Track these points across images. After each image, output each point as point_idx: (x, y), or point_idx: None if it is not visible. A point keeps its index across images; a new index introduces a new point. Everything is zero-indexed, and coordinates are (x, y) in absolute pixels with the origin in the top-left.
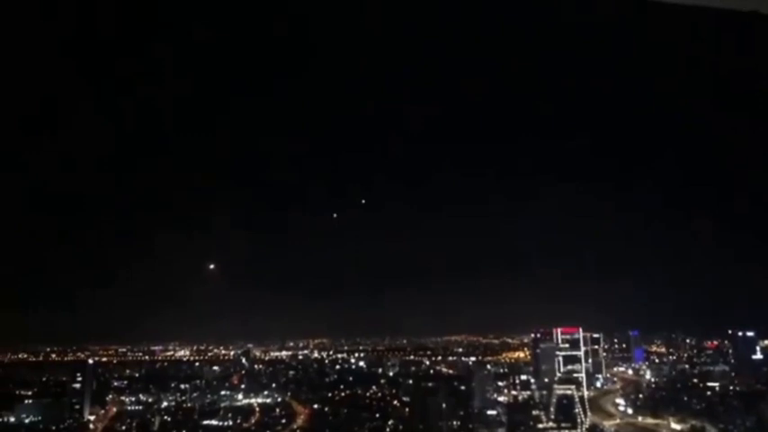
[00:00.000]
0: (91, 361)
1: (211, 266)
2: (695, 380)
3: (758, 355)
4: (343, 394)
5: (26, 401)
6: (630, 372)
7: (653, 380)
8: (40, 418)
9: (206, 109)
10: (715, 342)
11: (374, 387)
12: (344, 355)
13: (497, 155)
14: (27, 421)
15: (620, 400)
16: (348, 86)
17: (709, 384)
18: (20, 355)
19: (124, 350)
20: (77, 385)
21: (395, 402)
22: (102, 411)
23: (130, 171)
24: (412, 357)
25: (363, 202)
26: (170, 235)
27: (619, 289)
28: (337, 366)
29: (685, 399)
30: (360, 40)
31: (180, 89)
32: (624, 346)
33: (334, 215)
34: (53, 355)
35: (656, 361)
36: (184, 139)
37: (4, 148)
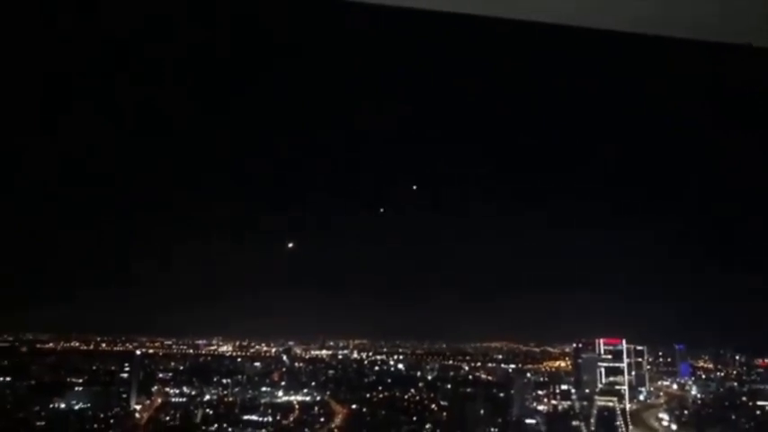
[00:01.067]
0: (138, 352)
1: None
2: (744, 398)
3: None
4: (381, 396)
5: (76, 389)
6: (675, 386)
7: (699, 396)
8: (88, 405)
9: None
10: (766, 360)
11: (412, 390)
12: (384, 356)
13: (535, 163)
14: (77, 408)
15: (664, 415)
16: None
17: (759, 403)
18: (72, 344)
19: (170, 343)
20: (125, 375)
21: (432, 406)
22: (148, 402)
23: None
24: (451, 362)
25: (382, 210)
26: (219, 234)
27: (664, 302)
28: (376, 368)
29: (733, 417)
30: (358, 41)
31: (181, 89)
32: (669, 360)
33: (381, 210)
34: (103, 345)
35: (703, 377)
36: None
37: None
